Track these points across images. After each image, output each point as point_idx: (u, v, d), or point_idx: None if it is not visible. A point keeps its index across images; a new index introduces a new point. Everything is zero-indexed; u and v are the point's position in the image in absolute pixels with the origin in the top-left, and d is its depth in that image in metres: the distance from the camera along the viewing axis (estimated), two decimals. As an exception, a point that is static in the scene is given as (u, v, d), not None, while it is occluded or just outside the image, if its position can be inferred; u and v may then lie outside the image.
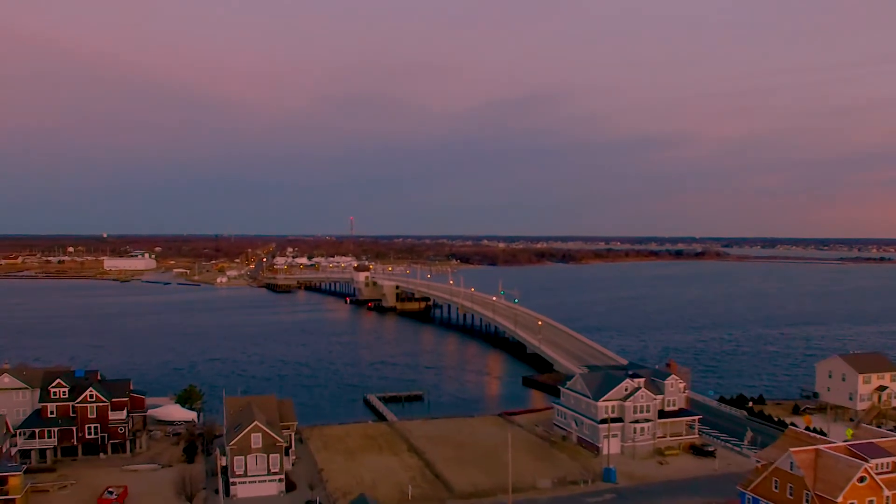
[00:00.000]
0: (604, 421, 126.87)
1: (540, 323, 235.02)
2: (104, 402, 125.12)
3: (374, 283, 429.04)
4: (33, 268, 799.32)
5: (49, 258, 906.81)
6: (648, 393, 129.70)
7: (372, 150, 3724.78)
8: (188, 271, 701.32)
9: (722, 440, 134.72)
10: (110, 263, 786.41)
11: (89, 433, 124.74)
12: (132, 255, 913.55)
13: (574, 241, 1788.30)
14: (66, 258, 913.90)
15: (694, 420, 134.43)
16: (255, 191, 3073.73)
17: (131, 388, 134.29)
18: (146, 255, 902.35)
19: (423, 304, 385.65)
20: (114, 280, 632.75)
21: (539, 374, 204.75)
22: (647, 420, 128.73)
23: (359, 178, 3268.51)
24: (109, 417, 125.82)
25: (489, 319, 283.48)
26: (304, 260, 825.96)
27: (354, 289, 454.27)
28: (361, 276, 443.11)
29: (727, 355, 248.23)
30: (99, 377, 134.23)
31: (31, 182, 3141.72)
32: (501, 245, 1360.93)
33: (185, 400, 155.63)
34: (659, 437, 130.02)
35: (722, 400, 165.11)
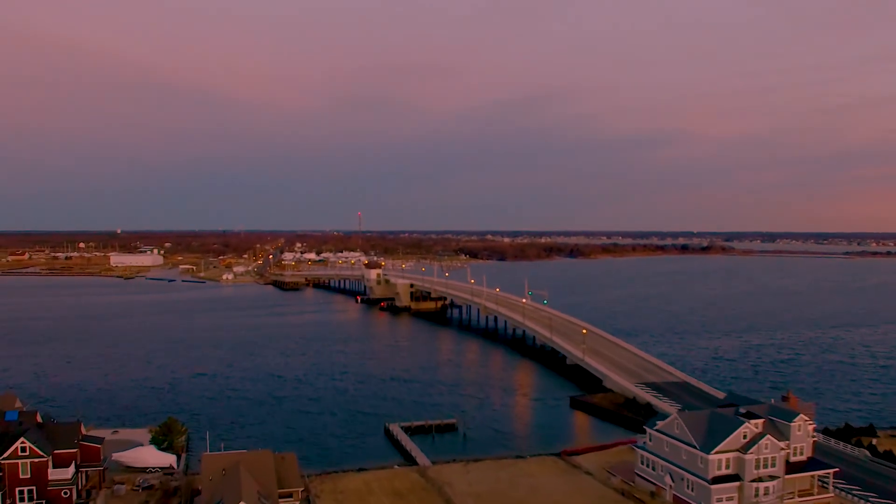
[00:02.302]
0: (717, 480, 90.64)
1: (584, 332, 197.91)
2: (42, 456, 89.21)
3: (387, 281, 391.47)
4: (39, 264, 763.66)
5: (56, 254, 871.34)
6: (774, 441, 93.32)
7: (378, 147, 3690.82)
8: (194, 268, 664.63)
9: (855, 495, 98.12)
10: (117, 260, 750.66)
11: (21, 499, 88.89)
12: (141, 251, 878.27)
13: (577, 235, 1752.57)
14: (74, 254, 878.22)
15: (828, 474, 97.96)
16: (266, 187, 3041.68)
17: (83, 432, 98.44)
18: (154, 251, 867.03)
19: (439, 304, 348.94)
20: (118, 277, 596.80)
21: (587, 393, 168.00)
22: (772, 477, 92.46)
23: (366, 175, 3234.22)
24: (50, 477, 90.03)
25: (517, 324, 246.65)
26: (312, 255, 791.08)
27: (365, 287, 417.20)
28: (373, 273, 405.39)
29: (789, 366, 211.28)
30: (39, 419, 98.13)
31: (49, 179, 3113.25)
32: (507, 240, 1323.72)
33: (162, 437, 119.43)
34: (787, 499, 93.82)
35: (827, 433, 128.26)
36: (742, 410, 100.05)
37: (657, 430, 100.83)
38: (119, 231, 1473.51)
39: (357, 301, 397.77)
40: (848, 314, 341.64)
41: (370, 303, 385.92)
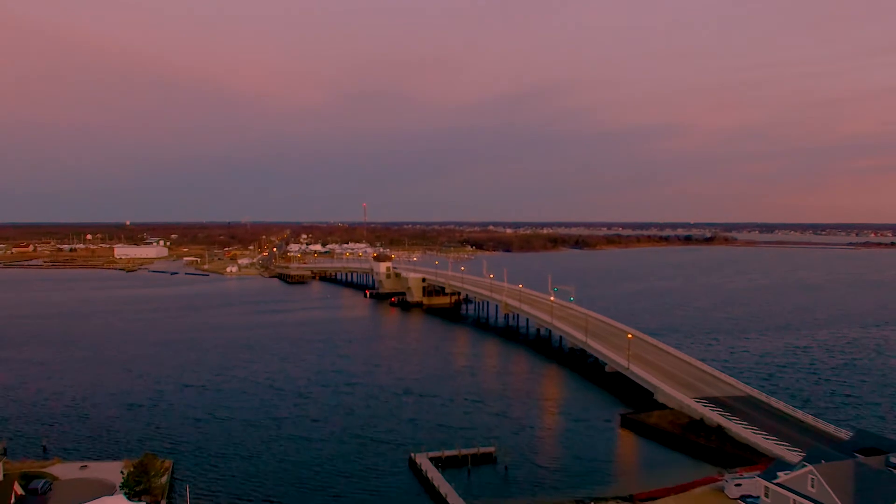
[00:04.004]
0: (880, 565, 64.16)
1: (630, 336, 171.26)
2: (-48, 534, 62.79)
3: (398, 275, 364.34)
4: (44, 256, 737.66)
5: (62, 246, 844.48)
6: (953, 509, 66.70)
7: (382, 140, 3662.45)
8: (198, 259, 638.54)
9: None
10: (121, 252, 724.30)
11: None
12: (147, 243, 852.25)
13: (576, 226, 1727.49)
14: (80, 246, 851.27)
15: None
16: (272, 180, 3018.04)
17: (19, 492, 72.07)
18: (160, 243, 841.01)
19: (453, 300, 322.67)
20: (120, 270, 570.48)
21: (637, 410, 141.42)
22: (950, 559, 65.92)
23: (369, 167, 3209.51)
24: (-36, 561, 63.68)
25: (543, 324, 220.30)
26: (318, 247, 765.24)
27: (374, 281, 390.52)
28: (382, 266, 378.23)
29: (851, 374, 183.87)
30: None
31: (59, 173, 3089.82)
32: (509, 231, 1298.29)
33: (135, 480, 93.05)
34: (965, 586, 67.27)
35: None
36: (894, 460, 73.50)
37: (783, 487, 74.23)
38: (127, 223, 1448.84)
39: (366, 296, 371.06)
40: (883, 310, 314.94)
41: (380, 297, 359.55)
